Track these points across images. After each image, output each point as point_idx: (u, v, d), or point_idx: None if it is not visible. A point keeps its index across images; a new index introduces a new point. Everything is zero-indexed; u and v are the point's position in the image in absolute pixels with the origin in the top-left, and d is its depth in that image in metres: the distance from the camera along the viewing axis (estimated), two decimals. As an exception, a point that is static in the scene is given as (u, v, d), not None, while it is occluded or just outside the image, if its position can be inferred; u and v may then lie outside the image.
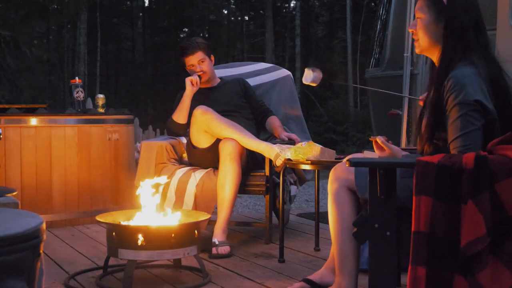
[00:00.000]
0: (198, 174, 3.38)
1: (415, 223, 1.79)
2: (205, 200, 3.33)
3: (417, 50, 2.15)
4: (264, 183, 3.37)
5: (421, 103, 2.35)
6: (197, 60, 3.62)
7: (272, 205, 3.43)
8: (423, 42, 2.11)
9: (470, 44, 2.03)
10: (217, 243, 3.15)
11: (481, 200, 1.72)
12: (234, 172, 3.22)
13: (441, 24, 2.06)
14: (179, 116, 3.55)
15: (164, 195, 3.41)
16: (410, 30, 2.16)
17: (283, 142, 3.37)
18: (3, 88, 13.79)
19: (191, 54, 3.62)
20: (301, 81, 2.64)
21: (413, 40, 2.18)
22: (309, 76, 2.39)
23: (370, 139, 2.24)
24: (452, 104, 1.95)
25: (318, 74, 2.41)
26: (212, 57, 3.69)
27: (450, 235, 1.75)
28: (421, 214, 1.78)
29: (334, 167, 2.27)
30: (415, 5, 4.06)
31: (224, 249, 3.15)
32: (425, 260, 1.76)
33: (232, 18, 26.79)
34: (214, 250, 3.14)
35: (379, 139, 2.15)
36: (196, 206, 3.33)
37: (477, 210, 1.71)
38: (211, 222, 3.67)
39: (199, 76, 3.59)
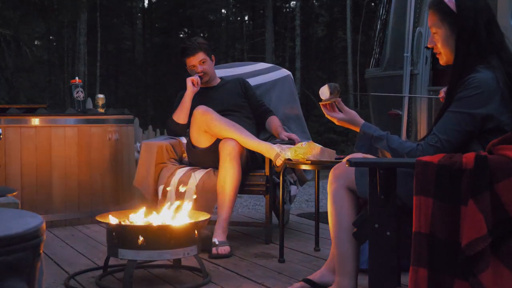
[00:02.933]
0: (198, 174, 3.38)
1: (416, 223, 1.79)
2: (206, 200, 3.33)
3: (441, 63, 2.16)
4: (264, 183, 3.36)
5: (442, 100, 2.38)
6: (198, 61, 3.61)
7: (272, 205, 3.42)
8: (446, 56, 2.12)
9: (484, 47, 2.04)
10: (217, 243, 3.15)
11: (481, 200, 1.72)
12: (234, 172, 3.23)
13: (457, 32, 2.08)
14: (179, 116, 3.55)
15: (164, 195, 3.41)
16: (429, 46, 2.17)
17: (283, 142, 3.37)
18: (1, 88, 13.78)
19: (192, 55, 3.61)
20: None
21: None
22: (326, 94, 2.37)
23: (321, 103, 2.21)
24: (459, 97, 1.98)
25: (335, 95, 2.39)
26: (213, 57, 3.70)
27: (451, 237, 1.75)
28: (422, 214, 1.78)
29: (334, 167, 2.27)
30: (415, 5, 4.08)
31: (224, 249, 3.15)
32: (426, 261, 1.76)
33: (232, 18, 26.79)
34: (214, 250, 3.14)
35: (339, 101, 2.19)
36: (196, 206, 3.32)
37: (477, 209, 1.71)
38: (211, 222, 3.66)
39: (200, 76, 3.59)
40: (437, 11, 2.09)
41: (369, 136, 2.08)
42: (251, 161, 3.42)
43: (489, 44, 2.04)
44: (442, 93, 2.41)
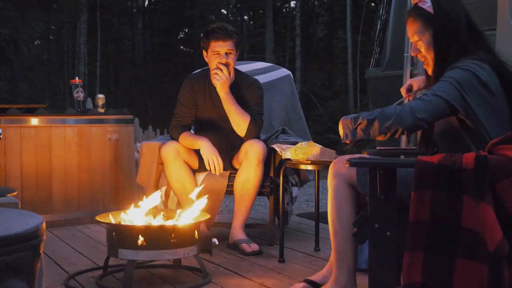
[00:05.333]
0: (201, 176, 3.37)
1: (413, 214, 1.79)
2: (211, 201, 3.32)
3: (428, 70, 2.17)
4: (268, 184, 3.36)
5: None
6: (226, 49, 3.26)
7: (276, 207, 3.41)
8: (432, 60, 2.13)
9: (466, 44, 2.07)
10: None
11: (490, 200, 1.73)
12: (259, 175, 3.23)
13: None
14: (184, 143, 3.34)
15: (167, 195, 3.41)
16: (413, 54, 2.19)
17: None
18: (9, 84, 13.86)
19: (222, 40, 3.25)
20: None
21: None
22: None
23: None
24: (451, 67, 2.01)
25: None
26: (238, 53, 3.37)
27: (451, 221, 1.75)
28: (419, 205, 1.78)
29: (334, 161, 2.26)
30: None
31: (255, 246, 3.20)
32: (422, 245, 1.76)
33: (232, 18, 26.79)
34: (247, 248, 3.17)
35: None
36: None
37: (491, 210, 1.72)
38: (216, 224, 3.67)
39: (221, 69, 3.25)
40: (419, 18, 2.12)
41: (348, 122, 2.00)
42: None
43: (471, 41, 2.08)
44: (405, 90, 2.43)
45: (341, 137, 2.04)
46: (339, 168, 2.22)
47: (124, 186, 4.32)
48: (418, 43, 2.14)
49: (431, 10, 2.09)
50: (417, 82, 2.41)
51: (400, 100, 2.40)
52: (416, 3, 2.13)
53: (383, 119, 1.93)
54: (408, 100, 2.45)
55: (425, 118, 1.94)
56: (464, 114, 1.98)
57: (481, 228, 1.71)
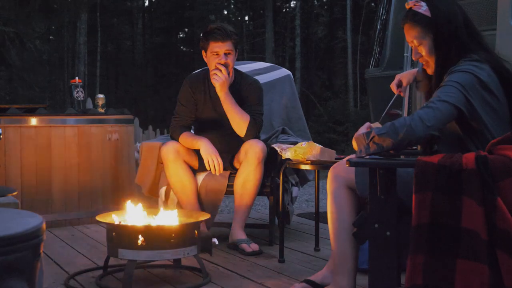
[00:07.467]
0: (201, 176, 3.38)
1: (415, 218, 1.79)
2: (211, 200, 3.32)
3: (430, 72, 2.17)
4: (268, 184, 3.36)
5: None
6: (225, 49, 3.26)
7: (276, 207, 3.41)
8: (434, 63, 2.14)
9: (465, 45, 2.07)
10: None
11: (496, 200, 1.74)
12: (259, 174, 3.23)
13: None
14: (184, 143, 3.33)
15: (167, 195, 3.41)
16: (415, 59, 2.18)
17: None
18: (13, 84, 13.87)
19: (221, 41, 3.24)
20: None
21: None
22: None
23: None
24: (452, 71, 2.01)
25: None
26: (237, 53, 3.37)
27: (451, 222, 1.75)
28: (421, 209, 1.78)
29: (333, 165, 2.27)
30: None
31: (255, 246, 3.20)
32: (424, 248, 1.77)
33: (232, 18, 26.79)
34: (247, 248, 3.18)
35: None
36: (202, 207, 3.33)
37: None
38: (216, 224, 3.67)
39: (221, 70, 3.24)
40: (417, 23, 2.11)
41: (361, 137, 2.00)
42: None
43: (470, 40, 2.08)
44: (395, 86, 2.43)
45: (356, 153, 2.04)
46: (338, 172, 2.23)
47: (124, 186, 4.32)
48: (419, 48, 2.13)
49: (428, 13, 2.08)
50: (406, 77, 2.41)
51: (394, 97, 2.39)
52: (411, 7, 2.12)
53: (394, 133, 1.91)
54: (400, 95, 2.44)
55: (435, 125, 1.93)
56: (469, 116, 1.98)
57: (481, 229, 1.71)
